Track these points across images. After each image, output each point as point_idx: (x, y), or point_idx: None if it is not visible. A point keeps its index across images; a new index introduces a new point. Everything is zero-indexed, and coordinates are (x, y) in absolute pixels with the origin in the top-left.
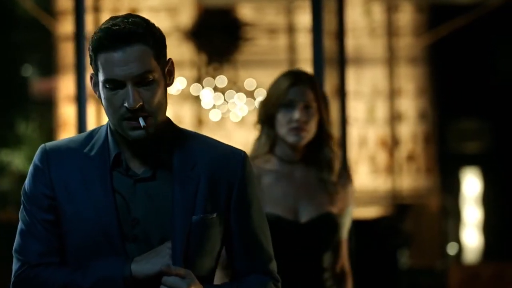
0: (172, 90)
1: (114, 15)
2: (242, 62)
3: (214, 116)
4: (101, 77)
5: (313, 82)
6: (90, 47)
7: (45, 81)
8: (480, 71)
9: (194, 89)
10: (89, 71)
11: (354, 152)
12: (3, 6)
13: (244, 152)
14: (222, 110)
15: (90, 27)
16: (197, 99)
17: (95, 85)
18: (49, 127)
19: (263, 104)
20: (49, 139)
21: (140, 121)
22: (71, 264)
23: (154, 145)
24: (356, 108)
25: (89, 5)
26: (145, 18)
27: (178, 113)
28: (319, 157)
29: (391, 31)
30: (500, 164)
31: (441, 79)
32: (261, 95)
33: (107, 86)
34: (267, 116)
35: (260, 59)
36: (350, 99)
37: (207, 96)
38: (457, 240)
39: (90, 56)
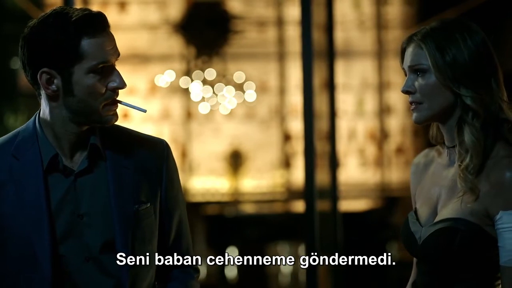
0: (161, 82)
1: (103, 8)
2: (231, 55)
3: (203, 109)
4: (87, 64)
5: None
6: (63, 36)
7: None
8: None
9: (183, 82)
10: None
11: (343, 145)
12: None
13: (165, 140)
14: (211, 103)
15: None
16: (186, 92)
17: (50, 81)
18: None
19: None
20: None
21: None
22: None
23: (92, 136)
24: (345, 101)
25: None
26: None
27: (167, 106)
28: None
29: (380, 24)
30: None
31: None
32: (250, 88)
33: (96, 71)
34: None
35: (249, 52)
36: (339, 92)
37: (196, 89)
38: None
39: (60, 45)
